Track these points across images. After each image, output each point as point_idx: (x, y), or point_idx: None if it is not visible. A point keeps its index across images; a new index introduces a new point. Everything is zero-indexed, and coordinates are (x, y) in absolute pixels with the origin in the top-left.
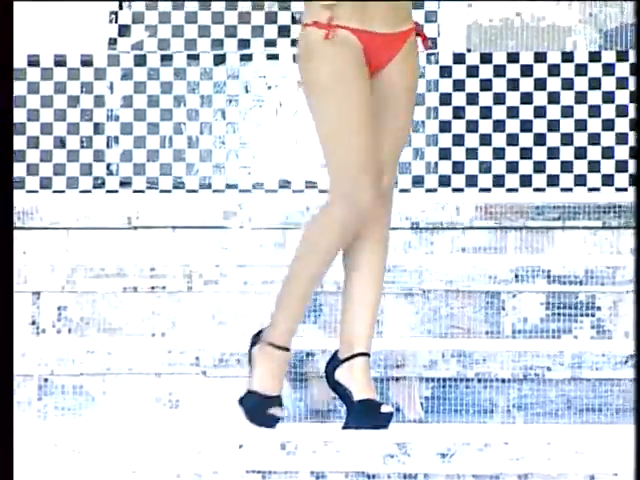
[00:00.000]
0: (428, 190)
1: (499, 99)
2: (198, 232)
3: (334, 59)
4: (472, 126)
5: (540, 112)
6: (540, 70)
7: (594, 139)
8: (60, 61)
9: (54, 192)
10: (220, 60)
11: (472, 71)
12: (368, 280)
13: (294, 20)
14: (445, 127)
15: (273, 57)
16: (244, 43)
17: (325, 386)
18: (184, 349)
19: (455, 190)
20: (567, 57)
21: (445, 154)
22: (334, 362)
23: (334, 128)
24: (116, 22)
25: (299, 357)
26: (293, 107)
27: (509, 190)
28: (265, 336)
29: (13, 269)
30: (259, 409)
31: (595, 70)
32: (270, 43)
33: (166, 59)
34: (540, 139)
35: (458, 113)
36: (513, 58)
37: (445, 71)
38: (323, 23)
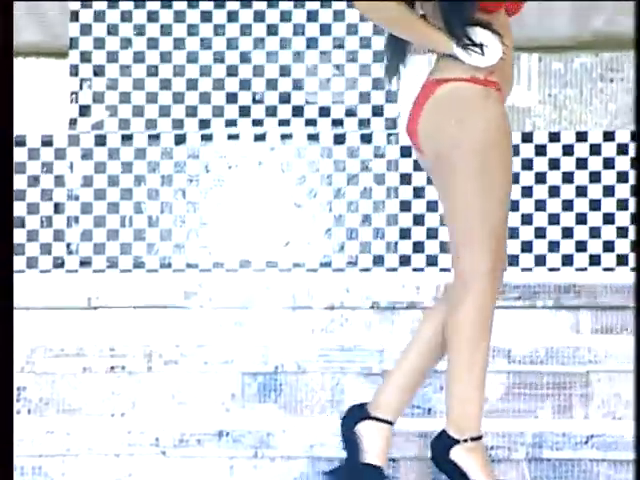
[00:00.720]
0: (389, 269)
1: None
2: (158, 312)
3: (502, 117)
4: (433, 205)
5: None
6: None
7: (554, 219)
8: (20, 141)
9: (14, 272)
10: (181, 140)
11: None
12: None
13: (254, 100)
14: (405, 206)
15: (234, 137)
16: (205, 123)
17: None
18: (144, 429)
19: (415, 270)
20: (526, 137)
21: (405, 234)
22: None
23: (492, 195)
24: (76, 102)
25: (259, 437)
26: (253, 186)
27: None
28: (464, 434)
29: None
30: None
31: (554, 150)
32: (230, 123)
33: (126, 139)
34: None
35: (418, 193)
36: None
37: (405, 151)
38: (481, 79)
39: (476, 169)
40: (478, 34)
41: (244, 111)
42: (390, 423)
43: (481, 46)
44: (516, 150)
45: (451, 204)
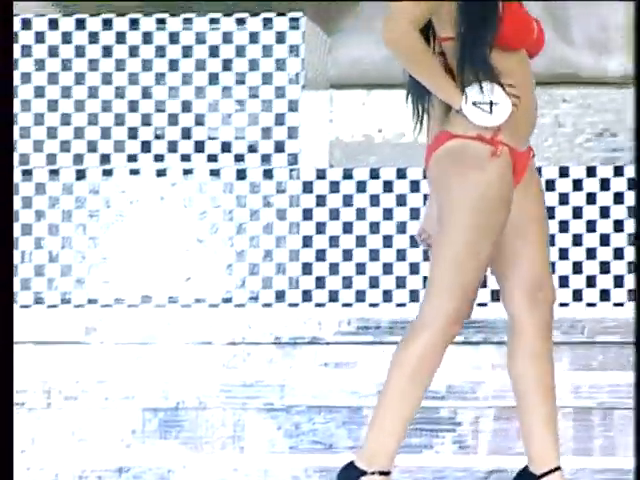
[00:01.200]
0: (290, 305)
1: (361, 215)
2: (58, 348)
3: (499, 180)
4: (334, 241)
5: (401, 228)
6: (401, 186)
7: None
8: None
9: None
10: (81, 175)
11: (334, 187)
12: (540, 394)
13: (157, 136)
14: (307, 242)
15: (134, 172)
16: (105, 158)
17: None
18: (43, 466)
19: (317, 305)
20: None
21: (307, 269)
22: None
23: (474, 252)
24: None
25: (159, 474)
26: (155, 222)
27: (371, 305)
28: (372, 467)
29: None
30: None
31: None
32: (132, 158)
33: (26, 174)
34: (401, 254)
35: (320, 228)
36: (375, 174)
37: (307, 187)
38: (487, 138)
39: (464, 226)
40: (489, 90)
41: (145, 146)
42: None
43: (491, 104)
44: (416, 186)
45: (436, 248)
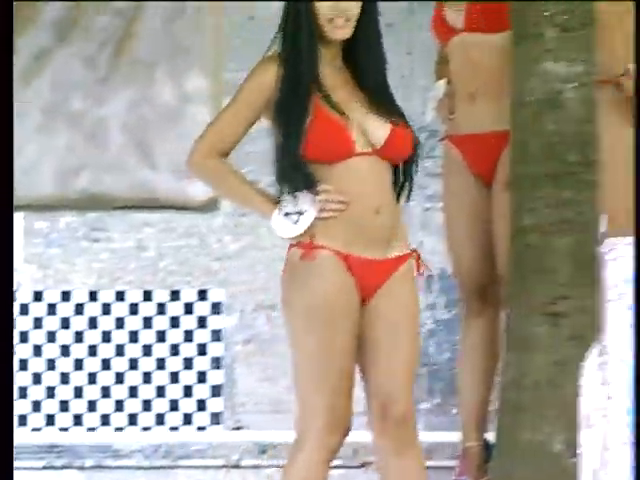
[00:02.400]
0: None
1: (161, 337)
2: None
3: (314, 286)
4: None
5: (201, 349)
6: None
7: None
8: None
9: None
10: None
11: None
12: None
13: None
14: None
15: None
16: None
17: None
18: None
19: (117, 429)
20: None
21: (106, 392)
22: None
23: (309, 368)
24: None
25: None
26: None
27: (171, 429)
28: None
29: None
30: None
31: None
32: None
33: None
34: (174, 377)
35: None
36: (175, 296)
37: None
38: (304, 243)
39: (300, 330)
40: (298, 199)
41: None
42: None
43: (299, 213)
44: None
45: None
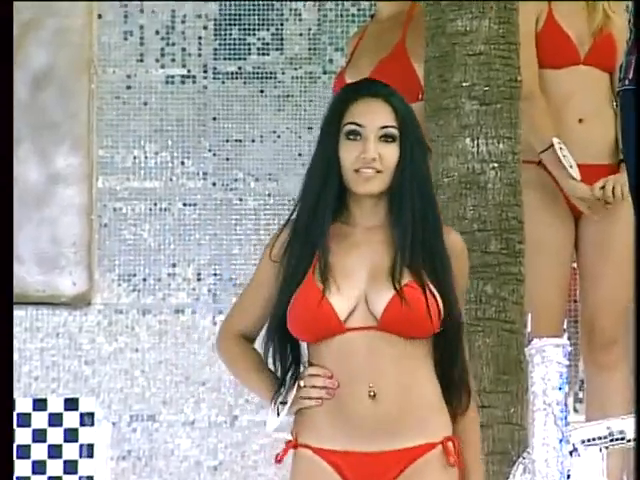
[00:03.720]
0: None
1: None
2: None
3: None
4: None
5: None
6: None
7: None
8: None
9: None
10: None
11: None
12: None
13: None
14: None
15: None
16: None
17: None
18: None
19: None
20: None
21: None
22: None
23: None
24: None
25: None
26: None
27: None
28: None
29: None
30: None
31: None
32: None
33: None
34: None
35: None
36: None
37: None
38: (288, 441)
39: None
40: (288, 386)
41: None
42: None
43: (284, 403)
44: None
45: None
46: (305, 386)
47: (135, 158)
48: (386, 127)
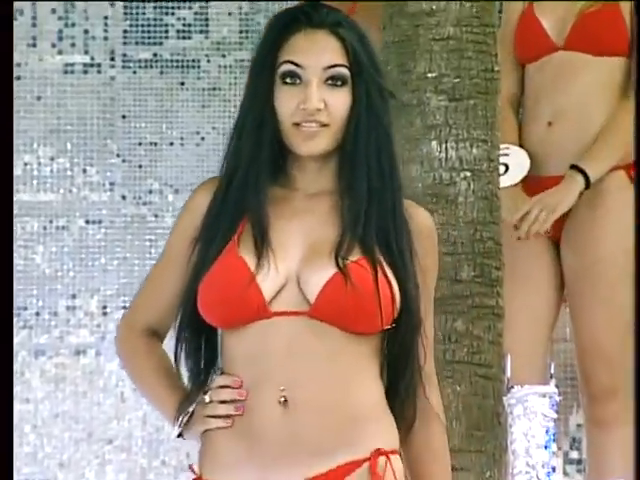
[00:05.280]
0: None
1: None
2: None
3: None
4: None
5: None
6: None
7: None
8: None
9: None
10: None
11: None
12: None
13: None
14: None
15: None
16: None
17: None
18: None
19: None
20: None
21: None
22: None
23: None
24: None
25: None
26: None
27: None
28: None
29: None
30: None
31: None
32: None
33: None
34: None
35: None
36: None
37: None
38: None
39: None
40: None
41: None
42: None
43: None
44: None
45: None
46: (212, 401)
47: (26, 165)
48: (333, 67)
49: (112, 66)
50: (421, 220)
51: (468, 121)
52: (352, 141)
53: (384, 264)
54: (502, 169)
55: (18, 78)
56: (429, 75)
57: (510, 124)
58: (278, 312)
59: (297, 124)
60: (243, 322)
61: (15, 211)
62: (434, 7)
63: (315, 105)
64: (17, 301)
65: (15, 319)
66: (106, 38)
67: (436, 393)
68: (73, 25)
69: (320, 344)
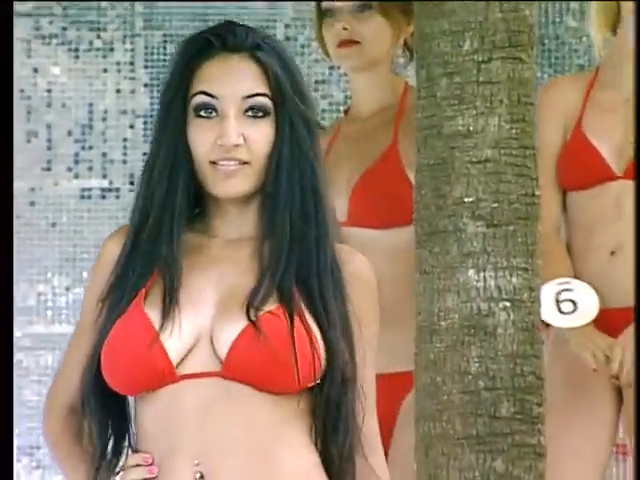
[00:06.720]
0: None
1: None
2: None
3: None
4: None
5: None
6: None
7: None
8: None
9: None
10: None
11: None
12: None
13: None
14: None
15: None
16: None
17: None
18: None
19: None
20: None
21: None
22: None
23: None
24: None
25: None
26: None
27: None
28: None
29: None
30: None
31: None
32: None
33: None
34: None
35: None
36: None
37: None
38: None
39: None
40: None
41: None
42: None
43: None
44: None
45: None
46: None
47: (40, 295)
48: (253, 96)
49: (131, 190)
50: (358, 266)
51: (507, 248)
52: (274, 181)
53: (305, 313)
54: (570, 307)
55: (32, 204)
56: (466, 200)
57: (560, 254)
58: (187, 375)
59: (214, 162)
60: (149, 388)
61: (28, 344)
62: (471, 128)
63: (233, 140)
64: (30, 439)
65: None
66: (125, 162)
67: (381, 459)
68: (90, 148)
69: (235, 408)
